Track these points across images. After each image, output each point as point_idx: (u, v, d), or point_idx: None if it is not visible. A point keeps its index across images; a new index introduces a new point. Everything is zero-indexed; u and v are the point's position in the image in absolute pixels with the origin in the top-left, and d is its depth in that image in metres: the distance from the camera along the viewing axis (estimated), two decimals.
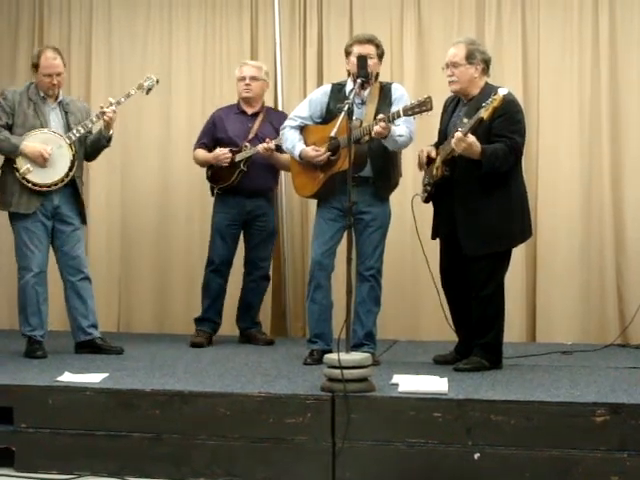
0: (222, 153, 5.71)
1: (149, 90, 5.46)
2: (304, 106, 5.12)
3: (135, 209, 6.59)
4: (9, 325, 6.43)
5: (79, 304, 5.31)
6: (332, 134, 4.50)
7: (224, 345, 5.74)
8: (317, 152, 4.91)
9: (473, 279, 4.73)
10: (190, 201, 6.49)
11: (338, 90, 5.01)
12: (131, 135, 6.54)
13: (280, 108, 6.22)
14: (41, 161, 5.12)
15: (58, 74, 5.22)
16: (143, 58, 6.59)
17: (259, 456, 4.06)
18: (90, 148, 5.37)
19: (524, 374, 4.63)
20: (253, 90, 5.80)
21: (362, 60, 4.73)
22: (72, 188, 5.26)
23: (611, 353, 5.46)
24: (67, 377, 4.45)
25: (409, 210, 4.94)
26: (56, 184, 5.18)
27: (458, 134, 4.47)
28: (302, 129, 5.08)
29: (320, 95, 5.09)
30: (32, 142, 5.14)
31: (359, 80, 4.71)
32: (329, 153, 4.88)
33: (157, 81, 5.47)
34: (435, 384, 4.18)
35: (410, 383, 4.20)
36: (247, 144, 5.72)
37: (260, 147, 5.65)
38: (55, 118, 5.28)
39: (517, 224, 4.77)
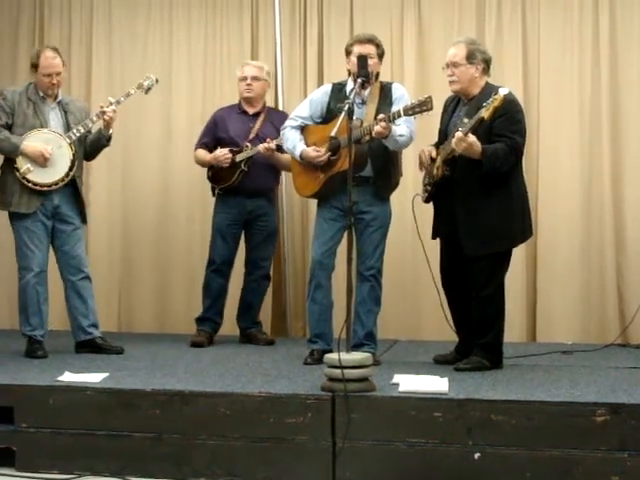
0: (222, 154, 5.71)
1: (148, 90, 5.46)
2: (304, 106, 5.12)
3: (136, 209, 6.59)
4: (10, 325, 6.42)
5: (79, 303, 5.32)
6: (332, 134, 4.49)
7: (224, 345, 5.74)
8: (318, 153, 4.91)
9: (473, 279, 4.73)
10: (191, 201, 6.49)
11: (338, 90, 5.01)
12: (132, 135, 6.55)
13: (280, 108, 6.22)
14: (42, 161, 5.13)
15: (57, 74, 5.22)
16: (143, 58, 6.59)
17: (259, 456, 4.06)
18: (90, 148, 5.38)
19: (524, 374, 4.63)
20: (254, 90, 5.80)
21: (362, 60, 4.73)
22: (72, 188, 5.26)
23: (611, 353, 5.46)
24: (68, 377, 4.45)
25: (409, 210, 4.94)
26: (56, 184, 5.18)
27: (459, 134, 4.47)
28: (303, 129, 5.08)
29: (320, 95, 5.09)
30: (33, 142, 5.14)
31: (359, 80, 4.70)
32: (329, 154, 4.88)
33: (156, 80, 5.48)
34: (435, 384, 4.18)
35: (410, 383, 4.20)
36: (248, 144, 5.72)
37: (261, 147, 5.65)
38: (55, 118, 5.28)
39: (517, 224, 4.76)
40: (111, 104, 5.27)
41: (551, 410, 3.88)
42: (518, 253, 5.43)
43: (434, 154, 4.81)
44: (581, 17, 6.08)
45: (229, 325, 5.99)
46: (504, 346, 4.84)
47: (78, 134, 5.21)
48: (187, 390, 4.20)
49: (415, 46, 6.26)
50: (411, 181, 5.67)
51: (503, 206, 4.67)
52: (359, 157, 4.75)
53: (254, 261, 5.89)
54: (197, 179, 6.17)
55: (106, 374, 4.53)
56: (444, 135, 4.83)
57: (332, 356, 4.12)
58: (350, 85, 4.91)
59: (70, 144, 5.20)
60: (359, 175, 4.79)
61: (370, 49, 4.92)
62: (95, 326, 5.36)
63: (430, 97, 4.66)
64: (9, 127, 5.19)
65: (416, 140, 4.98)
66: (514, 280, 5.64)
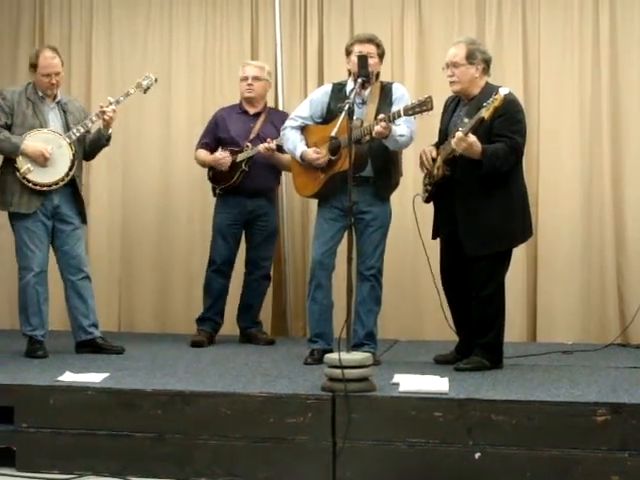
0: (222, 157, 5.71)
1: (147, 89, 5.46)
2: (305, 106, 5.12)
3: (136, 209, 6.59)
4: (10, 325, 6.42)
5: (79, 303, 5.31)
6: (333, 134, 4.50)
7: (225, 345, 5.74)
8: (318, 155, 4.91)
9: (473, 279, 4.73)
10: (191, 201, 6.49)
11: (339, 90, 5.01)
12: (132, 135, 6.55)
13: (281, 108, 6.22)
14: (42, 161, 5.12)
15: (57, 73, 5.22)
16: (143, 57, 6.59)
17: (260, 456, 4.06)
18: (89, 147, 5.38)
19: (525, 374, 4.63)
20: (255, 90, 5.80)
21: (363, 59, 4.72)
22: (72, 187, 5.26)
23: (612, 353, 5.46)
24: (68, 377, 4.45)
25: (410, 210, 4.94)
26: (56, 183, 5.18)
27: (459, 134, 4.47)
28: (303, 129, 5.08)
29: (321, 95, 5.09)
30: (33, 142, 5.14)
31: (360, 80, 4.70)
32: (329, 156, 4.88)
33: (155, 80, 5.47)
34: (436, 384, 4.18)
35: (411, 383, 4.20)
36: (249, 144, 5.72)
37: (261, 147, 5.65)
38: (54, 118, 5.28)
39: (518, 224, 4.76)
40: (111, 104, 5.28)
41: (551, 410, 3.88)
42: (518, 253, 5.43)
43: (434, 154, 4.81)
44: (581, 17, 6.07)
45: (229, 325, 5.99)
46: (504, 346, 4.84)
47: (78, 134, 5.21)
48: (188, 390, 4.20)
49: (415, 46, 6.26)
50: (411, 181, 5.67)
51: (503, 206, 4.67)
52: (359, 157, 4.75)
53: (254, 261, 5.89)
54: (197, 179, 6.17)
55: (106, 374, 4.53)
56: (444, 135, 4.83)
57: (332, 356, 4.12)
58: (350, 85, 4.91)
59: (70, 144, 5.20)
60: (359, 175, 4.79)
61: (370, 49, 4.92)
62: (95, 326, 5.36)
63: (430, 97, 4.66)
64: (8, 127, 5.19)
65: (416, 140, 4.98)
66: (514, 280, 5.64)
